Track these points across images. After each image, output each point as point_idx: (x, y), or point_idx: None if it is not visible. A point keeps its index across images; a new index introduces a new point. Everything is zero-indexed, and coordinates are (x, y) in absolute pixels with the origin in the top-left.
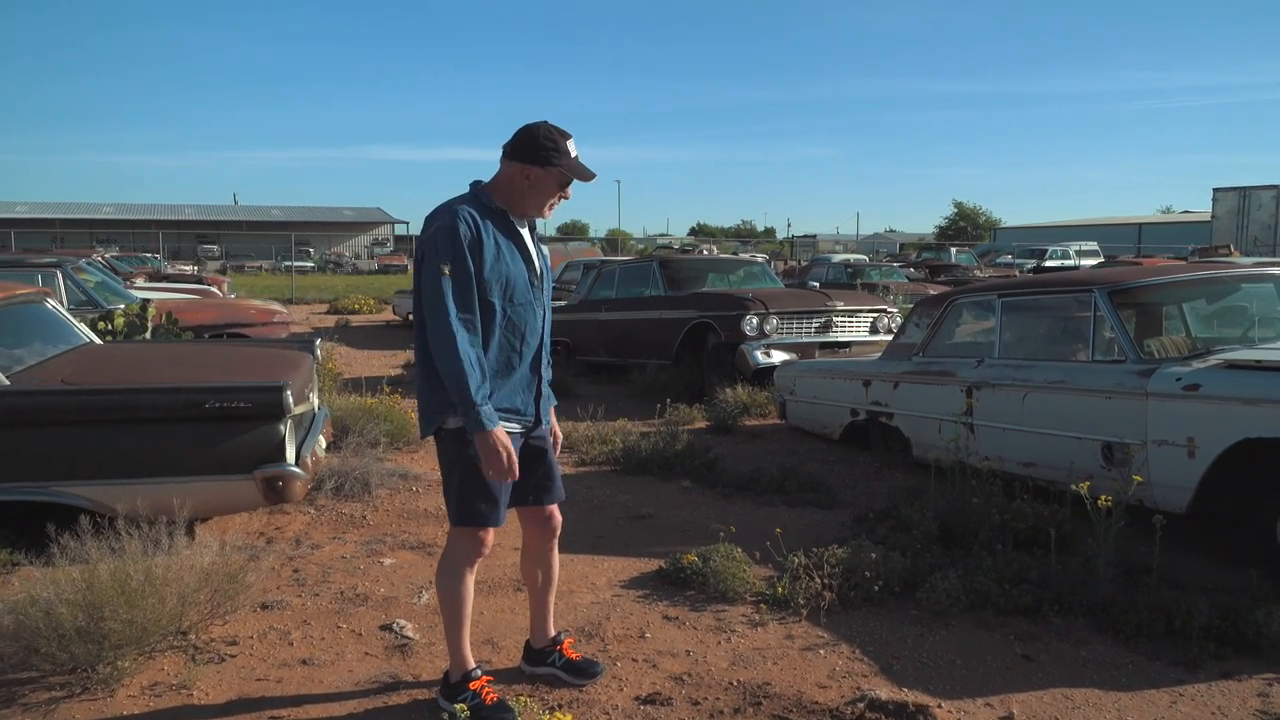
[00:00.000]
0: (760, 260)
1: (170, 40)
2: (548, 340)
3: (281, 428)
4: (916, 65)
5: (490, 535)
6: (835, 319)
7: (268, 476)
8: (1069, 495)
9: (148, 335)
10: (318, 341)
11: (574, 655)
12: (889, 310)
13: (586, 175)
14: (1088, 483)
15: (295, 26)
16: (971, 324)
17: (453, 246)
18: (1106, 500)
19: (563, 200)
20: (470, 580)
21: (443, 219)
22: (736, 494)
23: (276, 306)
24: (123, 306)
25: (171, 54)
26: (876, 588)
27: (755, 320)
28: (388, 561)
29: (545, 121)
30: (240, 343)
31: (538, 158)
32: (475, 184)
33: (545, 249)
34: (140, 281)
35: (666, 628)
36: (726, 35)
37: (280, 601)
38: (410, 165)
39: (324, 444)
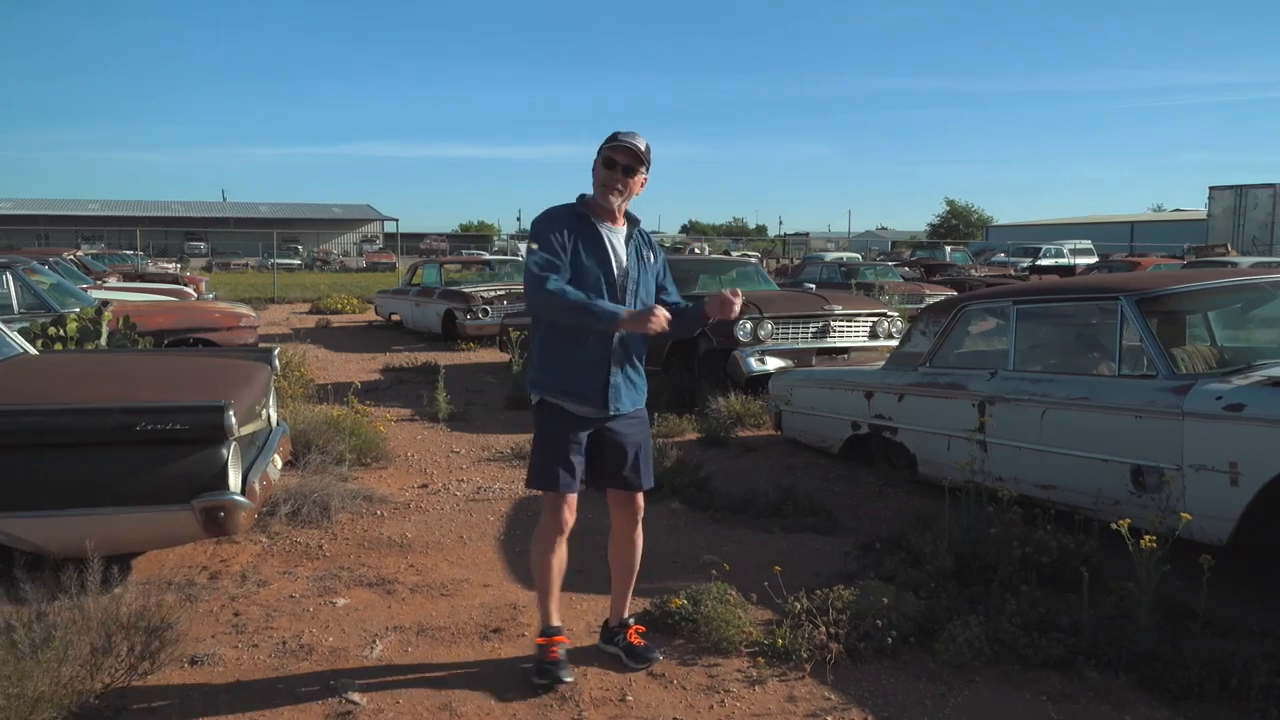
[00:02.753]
0: (754, 260)
1: (161, 37)
2: (636, 337)
3: (223, 452)
4: (910, 63)
5: (566, 507)
6: (833, 324)
7: (207, 507)
8: (1096, 524)
9: (102, 342)
10: (276, 351)
11: (637, 641)
12: (889, 314)
13: (614, 138)
14: (1127, 521)
15: (287, 22)
16: (983, 332)
17: (537, 234)
18: (1151, 541)
19: (615, 179)
20: (560, 551)
21: (536, 218)
22: (730, 517)
23: (244, 309)
24: (77, 310)
25: (163, 50)
26: (890, 639)
27: (749, 325)
28: (341, 602)
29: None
30: (192, 352)
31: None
32: (581, 196)
33: (649, 253)
34: (113, 281)
35: (651, 687)
36: (719, 32)
37: (212, 655)
38: (401, 162)
39: (279, 464)
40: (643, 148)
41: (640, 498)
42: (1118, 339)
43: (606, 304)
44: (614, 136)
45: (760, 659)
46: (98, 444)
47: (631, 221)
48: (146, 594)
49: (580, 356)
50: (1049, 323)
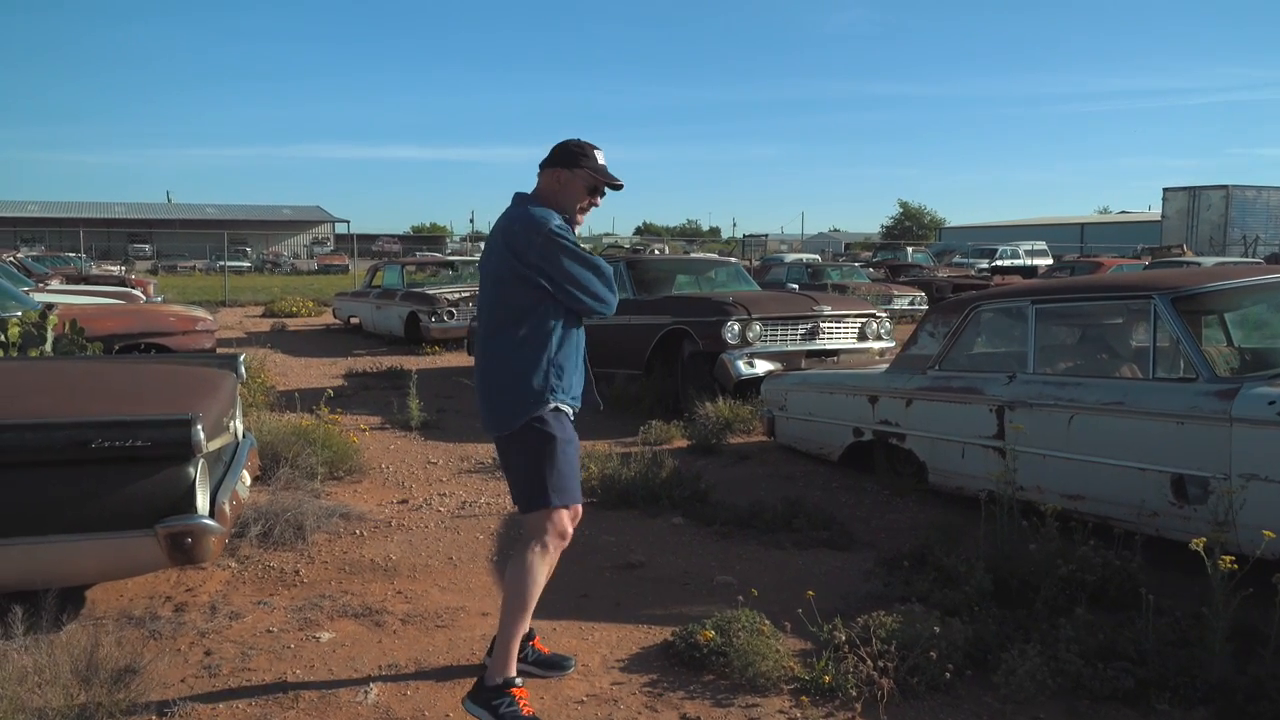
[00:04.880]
0: (734, 260)
1: (102, 34)
2: None
3: (190, 471)
4: (859, 66)
5: (570, 519)
6: (822, 325)
7: (173, 532)
8: (1139, 539)
9: (47, 348)
10: (242, 358)
11: (544, 649)
12: (877, 315)
13: (614, 181)
14: (1203, 540)
15: (231, 21)
16: (996, 333)
17: (570, 241)
18: (1230, 562)
19: (592, 206)
20: (549, 567)
21: (552, 220)
22: (736, 532)
23: (199, 313)
24: (19, 314)
25: (103, 49)
26: (948, 674)
27: (737, 327)
28: (325, 636)
29: (577, 137)
30: (149, 360)
31: (566, 161)
32: (518, 196)
33: None
34: (56, 284)
35: None
36: (672, 36)
37: (184, 703)
38: (350, 163)
39: (248, 481)
40: None
41: None
42: (1151, 340)
43: None
44: (599, 163)
45: (804, 697)
46: (47, 464)
47: None
48: (107, 633)
49: (579, 356)
50: (1071, 323)
